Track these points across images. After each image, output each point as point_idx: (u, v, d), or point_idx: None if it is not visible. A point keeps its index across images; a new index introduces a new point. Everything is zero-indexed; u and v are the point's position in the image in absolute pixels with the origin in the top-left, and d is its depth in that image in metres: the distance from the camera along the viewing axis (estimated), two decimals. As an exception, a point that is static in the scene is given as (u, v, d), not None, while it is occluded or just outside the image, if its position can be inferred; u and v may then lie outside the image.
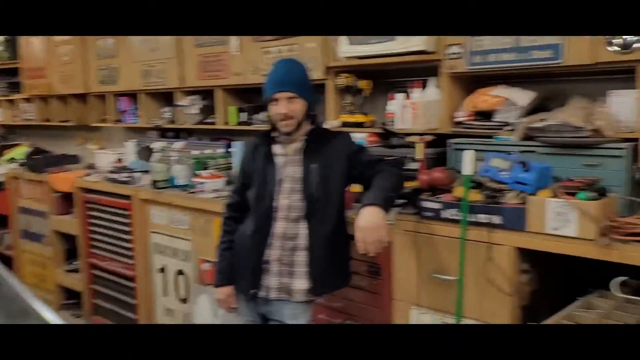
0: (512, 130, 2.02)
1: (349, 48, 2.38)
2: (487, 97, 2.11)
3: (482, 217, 1.80)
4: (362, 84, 2.47)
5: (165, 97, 3.48)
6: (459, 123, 2.20)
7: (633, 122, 1.82)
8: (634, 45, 1.74)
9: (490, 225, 1.78)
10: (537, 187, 1.73)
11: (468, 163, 1.82)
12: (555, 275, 1.88)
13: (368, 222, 1.72)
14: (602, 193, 1.67)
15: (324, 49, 2.51)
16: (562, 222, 1.66)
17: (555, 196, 1.68)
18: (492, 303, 1.80)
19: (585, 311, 1.56)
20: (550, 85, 2.14)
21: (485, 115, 2.16)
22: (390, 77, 2.55)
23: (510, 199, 1.77)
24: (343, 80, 2.46)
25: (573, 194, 1.65)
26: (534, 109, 2.07)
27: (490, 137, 2.09)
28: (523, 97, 2.07)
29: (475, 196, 1.83)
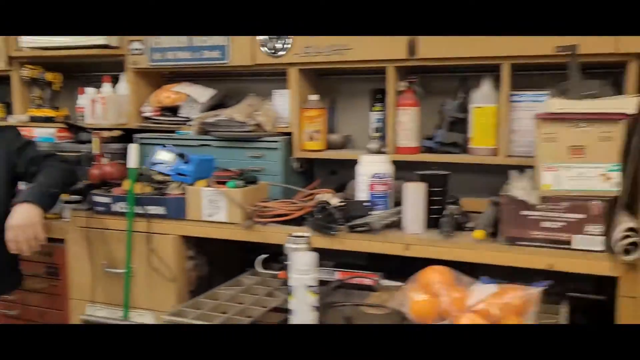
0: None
1: (29, 38, 2.23)
2: (170, 93, 2.18)
3: (149, 209, 1.84)
4: (50, 76, 2.34)
5: None
6: (147, 118, 2.23)
7: (288, 118, 2.06)
8: (280, 52, 1.96)
9: (155, 216, 1.84)
10: (197, 178, 1.83)
11: (133, 156, 1.85)
12: (224, 259, 2.01)
13: (20, 220, 1.63)
14: (251, 181, 1.85)
15: (5, 37, 2.31)
16: (215, 209, 1.79)
17: (209, 186, 1.80)
18: (161, 291, 1.85)
19: (228, 288, 1.70)
20: (230, 83, 2.30)
21: (171, 110, 2.23)
22: (83, 71, 2.48)
23: (172, 190, 1.84)
24: (28, 72, 2.31)
25: (224, 183, 1.79)
26: (215, 105, 2.20)
27: (174, 131, 2.16)
28: (203, 94, 2.18)
29: (144, 188, 1.86)
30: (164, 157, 1.86)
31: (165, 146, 1.86)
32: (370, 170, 1.80)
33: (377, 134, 2.03)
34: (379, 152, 1.93)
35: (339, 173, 2.18)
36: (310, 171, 2.19)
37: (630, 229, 1.40)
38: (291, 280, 1.36)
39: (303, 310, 1.34)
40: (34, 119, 2.34)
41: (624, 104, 1.42)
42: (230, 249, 1.96)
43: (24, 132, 2.35)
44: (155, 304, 1.86)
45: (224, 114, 2.03)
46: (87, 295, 1.94)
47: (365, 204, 1.74)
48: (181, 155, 1.83)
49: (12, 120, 2.37)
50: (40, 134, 2.33)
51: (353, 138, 2.18)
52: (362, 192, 1.81)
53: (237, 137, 2.01)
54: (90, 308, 1.94)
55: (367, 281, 1.64)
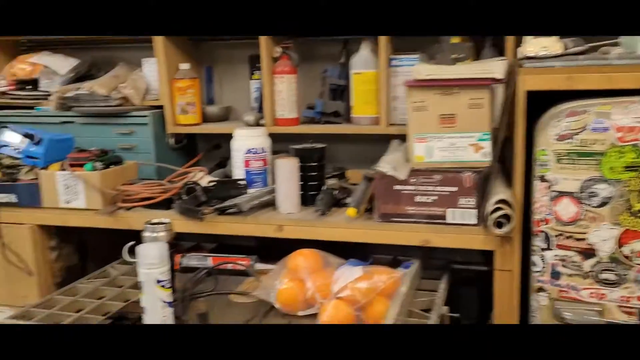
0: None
1: None
2: (25, 65, 1.94)
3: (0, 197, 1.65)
4: None
5: None
6: (3, 93, 1.98)
7: (158, 90, 1.88)
8: (143, 14, 1.76)
9: (6, 205, 1.65)
10: (50, 161, 1.64)
11: (-30, 139, 1.64)
12: (95, 246, 1.85)
13: None
14: (114, 162, 1.68)
15: None
16: (72, 195, 1.61)
17: (63, 169, 1.62)
18: (22, 286, 1.68)
19: (91, 281, 1.56)
20: (97, 52, 2.08)
21: (32, 83, 1.99)
22: None
23: (25, 175, 1.65)
24: None
25: (81, 165, 1.62)
26: (80, 77, 1.99)
27: (33, 107, 1.94)
28: (63, 64, 1.96)
29: (-8, 174, 1.66)
30: (10, 138, 1.65)
31: (8, 126, 1.65)
32: (245, 145, 1.67)
33: (257, 105, 1.90)
34: (256, 124, 1.81)
35: (223, 147, 2.04)
36: (191, 146, 2.04)
37: (502, 201, 1.36)
38: (139, 275, 1.23)
39: (154, 307, 1.22)
40: None
41: (493, 68, 1.35)
42: (100, 235, 1.80)
43: None
44: (17, 299, 1.69)
45: (85, 87, 1.82)
46: None
47: (239, 182, 1.62)
48: (29, 136, 1.63)
49: None
50: None
51: (235, 109, 2.04)
52: (237, 169, 1.69)
53: (100, 112, 1.82)
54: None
55: (240, 266, 1.54)
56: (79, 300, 1.43)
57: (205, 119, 1.92)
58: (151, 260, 1.22)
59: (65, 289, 1.51)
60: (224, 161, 1.95)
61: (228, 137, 1.98)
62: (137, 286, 1.52)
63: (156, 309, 1.23)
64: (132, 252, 1.64)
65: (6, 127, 1.64)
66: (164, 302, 1.23)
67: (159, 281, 1.22)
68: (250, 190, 1.63)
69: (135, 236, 1.69)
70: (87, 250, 1.84)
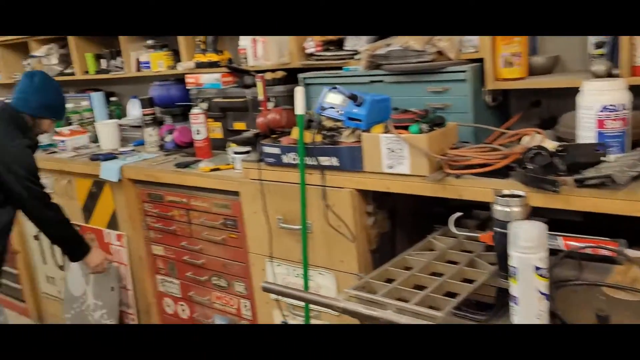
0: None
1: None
2: (333, 23, 1.90)
3: (321, 160, 1.64)
4: (209, 17, 2.20)
5: (25, 48, 3.12)
6: (311, 55, 1.99)
7: (477, 40, 1.65)
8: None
9: (329, 168, 1.63)
10: (371, 122, 1.56)
11: (299, 101, 1.63)
12: (407, 213, 1.76)
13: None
14: (438, 123, 1.53)
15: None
16: (396, 159, 1.51)
17: (387, 131, 1.52)
18: (339, 250, 1.68)
19: (419, 253, 1.45)
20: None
21: (337, 44, 1.96)
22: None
23: (346, 138, 1.60)
24: (188, 14, 2.19)
25: (405, 127, 1.50)
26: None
27: (340, 68, 1.90)
28: (370, 20, 1.86)
29: (314, 137, 1.65)
30: (333, 99, 1.61)
31: (334, 87, 1.60)
32: (598, 101, 1.36)
33: (601, 51, 1.54)
34: (608, 75, 1.46)
35: (543, 105, 1.75)
36: (504, 105, 1.79)
37: None
38: (512, 259, 1.05)
39: (529, 299, 1.03)
40: (199, 65, 2.25)
41: None
42: (413, 202, 1.69)
43: (192, 79, 2.30)
44: (335, 263, 1.70)
45: (397, 43, 1.70)
46: (265, 250, 1.84)
47: (597, 147, 1.32)
48: (353, 97, 1.56)
49: (180, 69, 2.32)
50: (206, 80, 2.25)
51: (562, 59, 1.71)
52: (585, 130, 1.39)
53: (414, 69, 1.68)
54: (269, 264, 1.85)
55: (603, 251, 1.26)
56: (415, 274, 1.33)
57: (529, 72, 1.65)
58: (529, 242, 1.02)
59: (396, 260, 1.43)
60: (546, 121, 1.66)
61: (550, 92, 1.69)
62: (473, 264, 1.38)
63: (531, 301, 1.03)
64: (458, 223, 1.50)
65: (335, 87, 1.60)
66: (541, 293, 1.04)
67: (537, 268, 1.03)
68: (610, 157, 1.32)
69: (446, 202, 1.55)
70: (395, 217, 1.76)
